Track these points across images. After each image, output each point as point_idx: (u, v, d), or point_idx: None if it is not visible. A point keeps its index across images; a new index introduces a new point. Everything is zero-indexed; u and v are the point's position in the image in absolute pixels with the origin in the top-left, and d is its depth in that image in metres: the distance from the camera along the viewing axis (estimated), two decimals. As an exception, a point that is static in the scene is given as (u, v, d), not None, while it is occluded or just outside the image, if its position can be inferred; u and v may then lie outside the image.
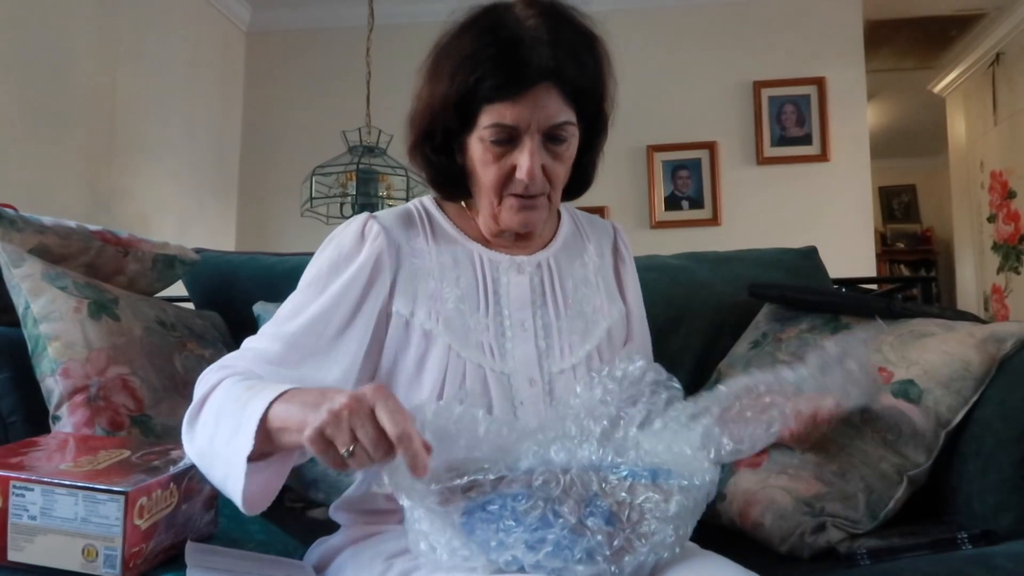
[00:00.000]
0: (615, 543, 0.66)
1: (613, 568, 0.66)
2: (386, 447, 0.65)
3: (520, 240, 0.99)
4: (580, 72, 0.89)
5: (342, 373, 0.88)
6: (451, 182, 0.97)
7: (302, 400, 0.72)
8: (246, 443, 0.72)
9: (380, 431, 0.65)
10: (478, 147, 0.90)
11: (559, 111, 0.88)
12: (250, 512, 0.76)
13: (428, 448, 0.66)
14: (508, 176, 0.90)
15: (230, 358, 0.87)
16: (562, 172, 0.93)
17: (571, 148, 0.93)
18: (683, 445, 0.74)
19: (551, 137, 0.89)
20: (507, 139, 0.88)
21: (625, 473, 0.70)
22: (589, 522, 0.67)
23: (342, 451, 0.65)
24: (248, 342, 0.89)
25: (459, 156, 0.94)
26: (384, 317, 0.91)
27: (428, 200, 1.02)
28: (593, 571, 0.66)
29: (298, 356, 0.86)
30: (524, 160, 0.88)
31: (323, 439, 0.66)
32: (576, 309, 0.98)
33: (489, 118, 0.87)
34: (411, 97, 0.96)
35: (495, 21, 0.89)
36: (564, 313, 0.97)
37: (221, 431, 0.76)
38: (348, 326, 0.89)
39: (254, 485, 0.74)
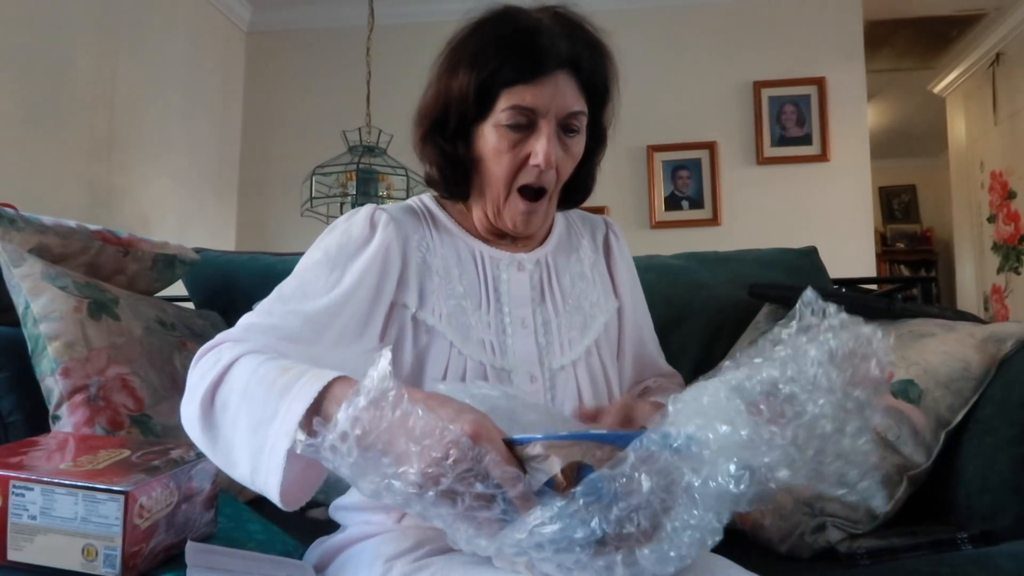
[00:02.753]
0: (624, 527, 0.58)
1: (623, 559, 0.58)
2: (488, 499, 0.61)
3: (515, 239, 1.00)
4: (595, 68, 0.92)
5: (365, 358, 0.87)
6: (458, 175, 0.96)
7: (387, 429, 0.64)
8: (287, 430, 0.67)
9: (484, 481, 0.61)
10: (492, 135, 0.91)
11: (575, 100, 0.90)
12: (289, 508, 0.70)
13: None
14: (521, 165, 0.91)
15: (235, 333, 0.82)
16: (569, 168, 0.94)
17: (580, 144, 0.94)
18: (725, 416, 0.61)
19: (565, 128, 0.91)
20: (525, 124, 0.89)
21: (655, 439, 0.60)
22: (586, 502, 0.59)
23: (439, 489, 0.60)
24: (252, 317, 0.84)
25: (464, 150, 0.94)
26: (392, 307, 0.92)
27: (428, 198, 1.03)
28: (604, 561, 0.59)
29: (321, 336, 0.84)
30: (541, 145, 0.89)
31: (424, 477, 0.61)
32: (574, 305, 0.99)
33: (507, 101, 0.88)
34: (423, 91, 0.97)
35: (513, 16, 0.91)
36: (563, 309, 0.98)
37: (251, 416, 0.71)
38: (371, 312, 0.89)
39: (291, 475, 0.68)
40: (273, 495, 0.69)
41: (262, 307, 0.87)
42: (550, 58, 0.88)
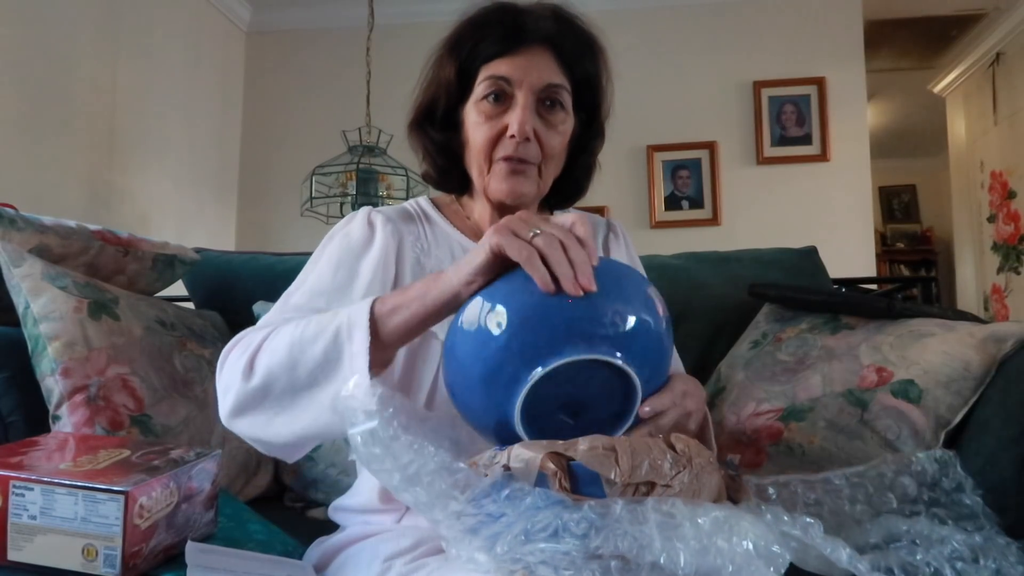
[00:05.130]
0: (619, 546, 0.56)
1: (616, 566, 0.56)
2: (570, 241, 0.65)
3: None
4: (580, 54, 0.93)
5: None
6: (449, 163, 0.97)
7: (414, 286, 0.73)
8: (361, 341, 0.71)
9: (555, 231, 0.66)
10: (473, 112, 0.92)
11: (553, 73, 0.91)
12: (376, 369, 0.73)
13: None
14: (499, 136, 0.91)
15: (262, 324, 0.84)
16: (556, 144, 0.92)
17: (566, 121, 0.93)
18: None
19: (544, 102, 0.91)
20: (501, 93, 0.90)
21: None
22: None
23: (528, 234, 0.66)
24: (268, 317, 0.86)
25: (454, 139, 0.95)
26: None
27: (424, 200, 1.03)
28: (599, 564, 0.56)
29: None
30: (515, 115, 0.89)
31: (508, 232, 0.67)
32: None
33: (484, 74, 0.90)
34: (416, 89, 0.98)
35: (501, 4, 0.93)
36: None
37: (311, 351, 0.74)
38: None
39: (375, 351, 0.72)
40: (361, 356, 0.71)
41: (277, 307, 0.88)
42: (527, 33, 0.90)
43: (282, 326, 0.78)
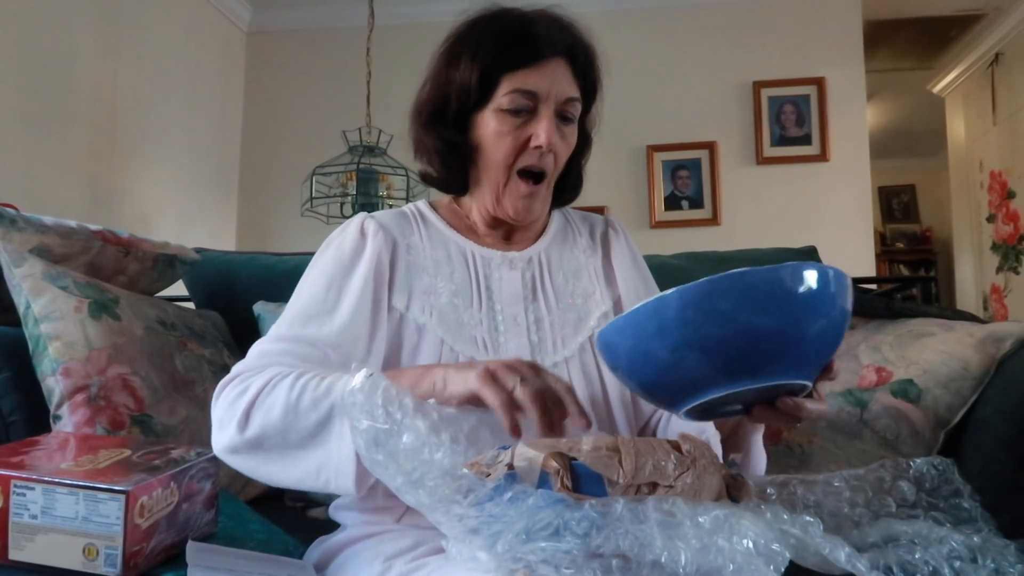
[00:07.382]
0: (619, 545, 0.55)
1: (618, 564, 0.56)
2: (552, 395, 0.71)
3: (511, 234, 1.01)
4: (588, 62, 0.96)
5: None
6: (457, 163, 0.98)
7: (409, 372, 0.79)
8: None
9: (546, 383, 0.71)
10: (493, 120, 0.92)
11: (572, 87, 0.94)
12: (360, 492, 0.76)
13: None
14: (521, 148, 0.93)
15: (251, 363, 0.85)
16: (565, 156, 0.96)
17: (575, 134, 0.97)
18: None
19: (561, 114, 0.93)
20: (526, 108, 0.91)
21: None
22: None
23: (510, 385, 0.70)
24: (263, 345, 0.88)
25: (463, 139, 0.96)
26: (389, 312, 0.93)
27: (421, 203, 1.04)
28: (600, 564, 0.56)
29: (338, 359, 0.86)
30: (543, 127, 0.91)
31: (491, 378, 0.71)
32: (568, 302, 0.99)
33: (509, 85, 0.91)
34: (419, 87, 0.99)
35: (509, 10, 0.95)
36: (556, 307, 0.98)
37: (304, 421, 0.77)
38: (376, 326, 0.91)
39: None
40: (348, 482, 0.75)
41: (272, 333, 0.89)
42: (547, 46, 0.91)
43: (280, 380, 0.80)
